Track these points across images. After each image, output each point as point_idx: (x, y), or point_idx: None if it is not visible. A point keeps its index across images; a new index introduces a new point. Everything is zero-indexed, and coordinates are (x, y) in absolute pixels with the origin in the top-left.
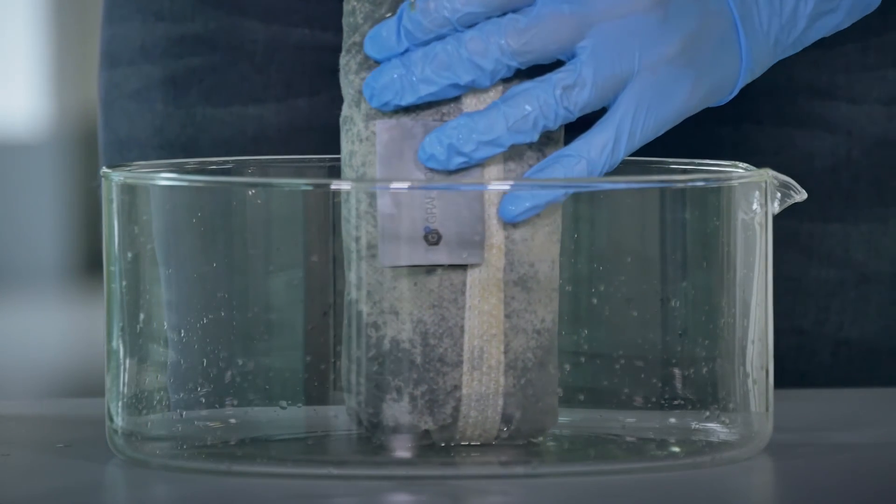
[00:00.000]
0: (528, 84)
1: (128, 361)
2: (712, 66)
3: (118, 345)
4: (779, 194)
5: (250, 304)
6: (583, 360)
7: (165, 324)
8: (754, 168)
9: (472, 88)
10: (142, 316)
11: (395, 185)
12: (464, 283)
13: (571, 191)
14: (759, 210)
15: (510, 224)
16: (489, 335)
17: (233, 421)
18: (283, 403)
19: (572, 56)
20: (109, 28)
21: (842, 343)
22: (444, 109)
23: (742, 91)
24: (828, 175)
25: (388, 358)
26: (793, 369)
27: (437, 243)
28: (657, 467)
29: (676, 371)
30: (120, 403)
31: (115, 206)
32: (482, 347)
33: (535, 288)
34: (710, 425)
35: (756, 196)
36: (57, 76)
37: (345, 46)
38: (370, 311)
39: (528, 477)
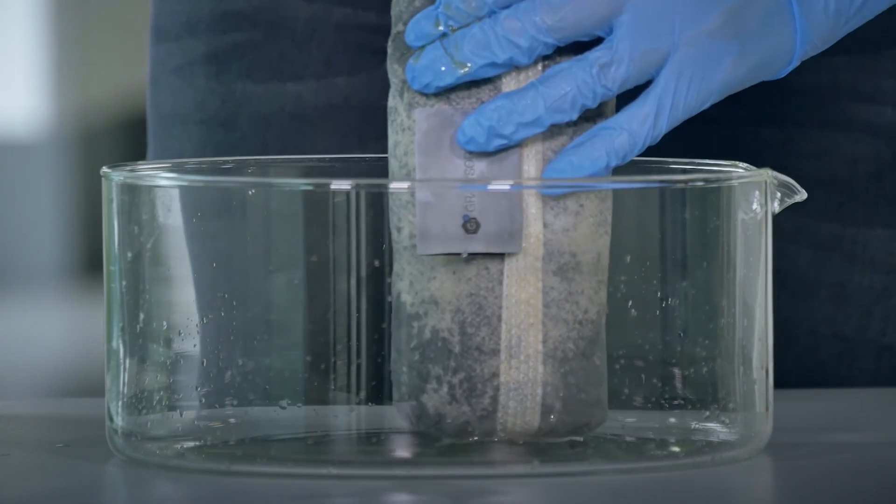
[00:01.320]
0: (565, 63)
1: (128, 361)
2: (760, 38)
3: (118, 345)
4: (779, 194)
5: (251, 303)
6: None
7: (196, 318)
8: (754, 168)
9: (512, 71)
10: (142, 316)
11: (393, 185)
12: (501, 272)
13: (614, 165)
14: (759, 210)
15: (550, 213)
16: (527, 324)
17: (233, 421)
18: (283, 403)
19: (610, 31)
20: (158, 3)
21: (885, 349)
22: (484, 97)
23: (786, 93)
24: (872, 180)
25: (428, 348)
26: (835, 375)
27: (475, 232)
28: (657, 467)
29: (676, 371)
30: (120, 403)
31: (114, 206)
32: (520, 336)
33: (577, 279)
34: (710, 425)
35: (756, 196)
36: (57, 76)
37: (391, 35)
38: (412, 301)
39: (528, 477)
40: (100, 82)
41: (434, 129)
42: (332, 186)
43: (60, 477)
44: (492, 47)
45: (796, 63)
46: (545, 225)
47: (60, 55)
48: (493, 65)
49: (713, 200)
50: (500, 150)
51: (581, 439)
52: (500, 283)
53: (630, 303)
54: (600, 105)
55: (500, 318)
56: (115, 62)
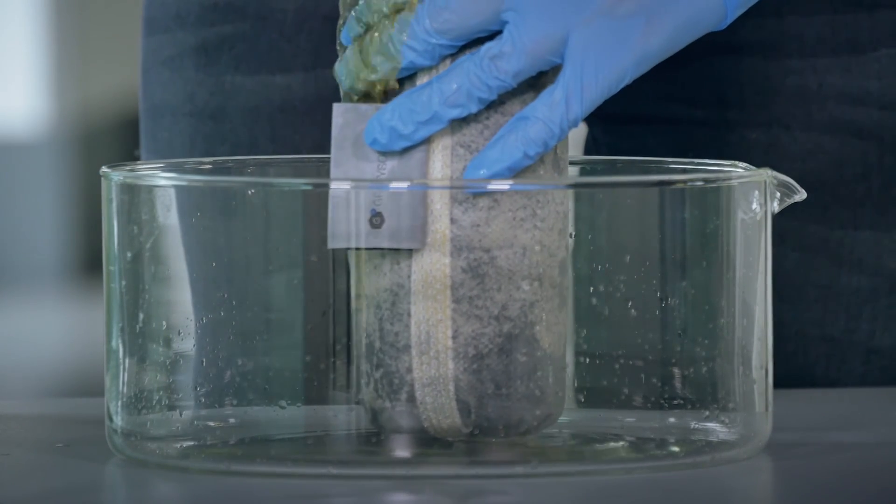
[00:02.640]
0: (461, 58)
1: (127, 361)
2: (669, 4)
3: (118, 344)
4: (778, 194)
5: (250, 303)
6: (583, 359)
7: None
8: (754, 168)
9: (432, 69)
10: (141, 316)
11: (394, 184)
12: (410, 268)
13: (532, 155)
14: (758, 210)
15: (458, 209)
16: (435, 320)
17: (232, 421)
18: (283, 403)
19: (502, 25)
20: None
21: (873, 351)
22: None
23: (772, 95)
24: (859, 181)
25: (360, 343)
26: (823, 377)
27: (380, 227)
28: (657, 467)
29: (676, 371)
30: (119, 403)
31: (114, 205)
32: (428, 332)
33: (492, 274)
34: (710, 425)
35: (756, 196)
36: (57, 76)
37: (338, 26)
38: (353, 296)
39: (528, 477)
40: (99, 82)
41: (349, 123)
42: (332, 186)
43: (60, 477)
44: (391, 52)
45: (733, 16)
46: (452, 220)
47: (60, 55)
48: (397, 69)
49: (713, 200)
50: (407, 148)
51: (524, 439)
52: (409, 278)
53: (630, 303)
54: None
55: (409, 314)
56: (115, 62)
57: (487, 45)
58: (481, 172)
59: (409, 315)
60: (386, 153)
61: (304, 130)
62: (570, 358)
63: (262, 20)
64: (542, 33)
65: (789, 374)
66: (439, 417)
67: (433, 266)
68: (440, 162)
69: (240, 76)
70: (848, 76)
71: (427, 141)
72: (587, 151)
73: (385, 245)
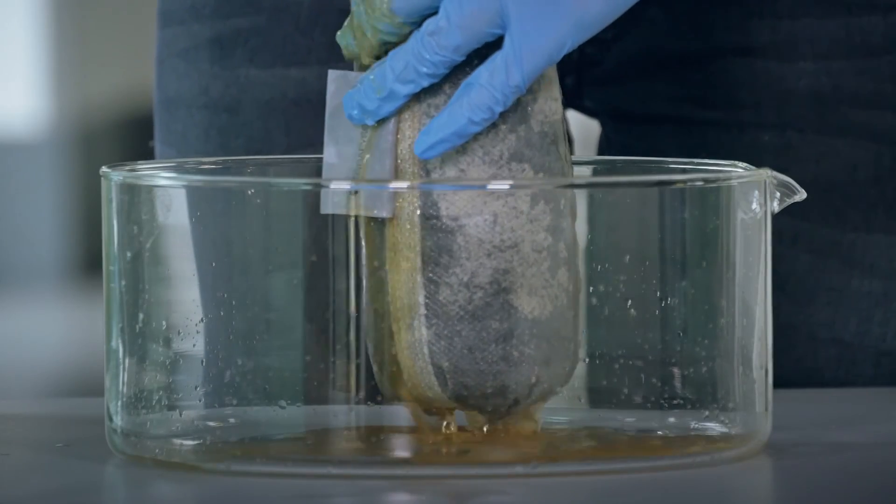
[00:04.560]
0: (410, 37)
1: (127, 361)
2: None
3: (117, 344)
4: (778, 194)
5: (250, 303)
6: (583, 359)
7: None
8: (753, 168)
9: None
10: (141, 316)
11: (393, 184)
12: (384, 235)
13: (479, 121)
14: (758, 210)
15: (425, 177)
16: (408, 287)
17: (232, 421)
18: (283, 403)
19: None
20: None
21: (884, 354)
22: None
23: (786, 97)
24: (872, 185)
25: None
26: (834, 380)
27: (356, 193)
28: (657, 467)
29: (676, 371)
30: (119, 403)
31: (114, 205)
32: (403, 299)
33: (461, 243)
34: (710, 425)
35: (755, 196)
36: (57, 76)
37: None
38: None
39: (528, 477)
40: (100, 82)
41: (341, 90)
42: (332, 186)
43: (60, 477)
44: (358, 35)
45: None
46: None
47: (60, 55)
48: (373, 45)
49: (713, 200)
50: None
51: (511, 403)
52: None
53: (630, 302)
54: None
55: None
56: (115, 62)
57: (427, 21)
58: (429, 138)
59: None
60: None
61: (318, 124)
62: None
63: (278, 13)
64: (475, 6)
65: (800, 376)
66: (419, 383)
67: (402, 233)
68: (409, 129)
69: (255, 69)
70: (862, 79)
71: (399, 110)
72: (600, 151)
73: (360, 212)
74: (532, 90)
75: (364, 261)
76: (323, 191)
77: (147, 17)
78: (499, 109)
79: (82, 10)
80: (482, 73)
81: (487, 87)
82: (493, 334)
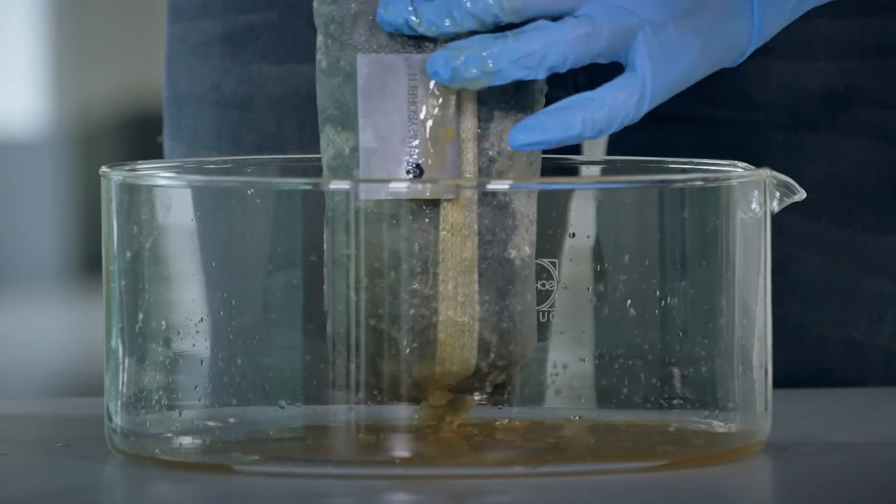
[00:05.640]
0: (542, 23)
1: (127, 361)
2: (720, 31)
3: (117, 344)
4: (778, 193)
5: (250, 302)
6: (583, 359)
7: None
8: (753, 167)
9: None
10: (140, 315)
11: (392, 184)
12: (438, 216)
13: (586, 137)
14: (758, 209)
15: (485, 158)
16: (463, 266)
17: (232, 420)
18: (283, 403)
19: (570, 12)
20: None
21: (894, 355)
22: (426, 43)
23: (798, 97)
24: (884, 185)
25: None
26: (844, 380)
27: (419, 177)
28: (657, 467)
29: (676, 370)
30: (119, 403)
31: (114, 205)
32: (456, 278)
33: (511, 220)
34: (710, 424)
35: (755, 195)
36: (56, 76)
37: None
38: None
39: (528, 477)
40: (100, 82)
41: (375, 74)
42: (332, 186)
43: (60, 476)
44: (456, 18)
45: (747, 55)
46: (481, 170)
47: (60, 55)
48: (453, 34)
49: (712, 200)
50: (441, 99)
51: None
52: (437, 227)
53: (629, 302)
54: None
55: (437, 263)
56: (115, 62)
57: (574, 21)
58: (531, 135)
59: (436, 264)
60: (417, 102)
61: None
62: (568, 358)
63: (289, 9)
64: (624, 23)
65: (810, 376)
66: (456, 358)
67: (463, 214)
68: (469, 121)
69: (266, 65)
70: (875, 79)
71: (458, 98)
72: (610, 150)
73: (419, 196)
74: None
75: (362, 261)
76: (366, 174)
77: (148, 17)
78: (606, 133)
79: (82, 10)
80: (608, 94)
81: (612, 108)
82: (527, 306)
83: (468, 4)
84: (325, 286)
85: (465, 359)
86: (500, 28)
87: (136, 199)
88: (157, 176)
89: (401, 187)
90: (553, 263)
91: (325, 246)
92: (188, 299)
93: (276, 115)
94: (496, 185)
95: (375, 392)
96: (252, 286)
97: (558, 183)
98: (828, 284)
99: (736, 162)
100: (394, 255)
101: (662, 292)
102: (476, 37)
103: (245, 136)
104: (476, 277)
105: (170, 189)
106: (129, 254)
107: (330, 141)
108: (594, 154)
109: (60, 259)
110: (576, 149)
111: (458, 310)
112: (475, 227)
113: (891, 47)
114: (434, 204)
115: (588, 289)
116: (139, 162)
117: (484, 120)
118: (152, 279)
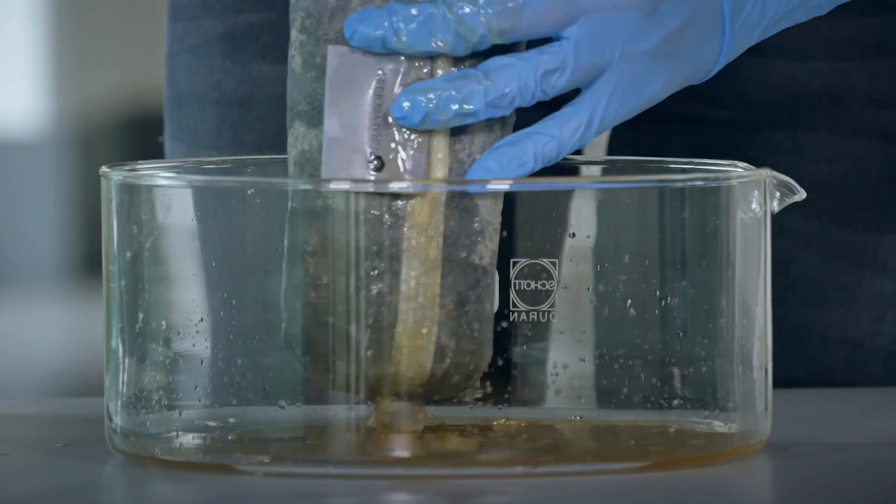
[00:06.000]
0: (509, 59)
1: (127, 361)
2: (691, 58)
3: (117, 344)
4: (778, 193)
5: (250, 303)
6: (583, 359)
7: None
8: (753, 167)
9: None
10: (141, 315)
11: (393, 184)
12: (405, 210)
13: (538, 167)
14: (758, 209)
15: (455, 159)
16: (426, 267)
17: (232, 420)
18: (283, 403)
19: (557, 38)
20: None
21: (894, 355)
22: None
23: (798, 97)
24: (884, 185)
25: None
26: (844, 380)
27: (379, 170)
28: (657, 467)
29: (676, 370)
30: (119, 403)
31: (114, 205)
32: (418, 279)
33: (477, 225)
34: (710, 424)
35: (755, 195)
36: (56, 76)
37: None
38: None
39: (528, 477)
40: (100, 82)
41: (344, 67)
42: (332, 186)
43: (60, 476)
44: (438, 35)
45: (712, 75)
46: (451, 171)
47: (60, 55)
48: (432, 51)
49: (712, 200)
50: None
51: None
52: (402, 225)
53: (629, 302)
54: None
55: (400, 260)
56: (115, 62)
57: (543, 56)
58: (494, 173)
59: (398, 261)
60: (384, 96)
61: None
62: (568, 358)
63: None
64: (595, 58)
65: (811, 376)
66: (411, 362)
67: (429, 214)
68: (443, 134)
69: (267, 65)
70: (874, 79)
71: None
72: (610, 150)
73: (394, 191)
74: None
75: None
76: (326, 166)
77: (148, 17)
78: (555, 161)
79: (82, 10)
80: (555, 127)
81: (560, 141)
82: (486, 315)
83: (454, 24)
84: (283, 284)
85: (421, 362)
86: (475, 52)
87: (136, 199)
88: (157, 176)
89: (403, 185)
90: (553, 263)
91: (285, 242)
92: (188, 299)
93: (277, 115)
94: (496, 186)
95: (329, 391)
96: (252, 286)
97: (558, 183)
98: (828, 284)
99: (736, 162)
100: (356, 252)
101: (662, 292)
102: (442, 77)
103: (245, 136)
104: (438, 279)
105: (170, 189)
106: (129, 254)
107: (299, 137)
108: (594, 154)
109: (60, 259)
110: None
111: (418, 311)
112: (441, 227)
113: (891, 47)
114: (401, 201)
115: (588, 289)
116: (139, 162)
117: (459, 132)
118: (152, 279)
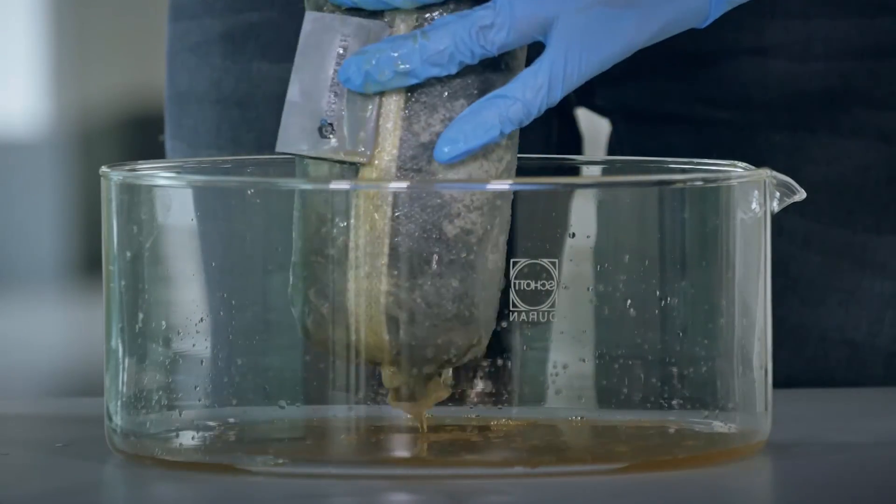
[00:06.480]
0: (449, 18)
1: (127, 361)
2: (663, 2)
3: (117, 344)
4: (778, 193)
5: (250, 302)
6: (583, 359)
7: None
8: (753, 167)
9: (413, 12)
10: (141, 315)
11: (393, 185)
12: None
13: (507, 133)
14: (758, 209)
15: (408, 131)
16: (373, 236)
17: (232, 420)
18: (283, 403)
19: None
20: None
21: (894, 355)
22: (371, 26)
23: (798, 98)
24: (884, 186)
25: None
26: (844, 381)
27: (329, 136)
28: (657, 467)
29: (676, 370)
30: (119, 403)
31: (113, 205)
32: (366, 247)
33: (434, 197)
34: (710, 424)
35: (755, 195)
36: (57, 76)
37: None
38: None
39: (528, 477)
40: (99, 82)
41: (316, 32)
42: (332, 186)
43: (60, 476)
44: None
45: (715, 16)
46: (401, 141)
47: (60, 55)
48: (385, 6)
49: (712, 200)
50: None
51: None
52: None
53: (629, 302)
54: (504, 60)
55: (350, 227)
56: (115, 62)
57: (479, 11)
58: (455, 147)
59: (349, 228)
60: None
61: None
62: (568, 358)
63: (289, 8)
64: (535, 10)
65: (811, 377)
66: (365, 330)
67: (379, 182)
68: (394, 100)
69: (266, 64)
70: (874, 80)
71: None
72: (610, 150)
73: (330, 156)
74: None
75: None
76: (283, 129)
77: (148, 17)
78: (527, 123)
79: (82, 9)
80: (519, 87)
81: (525, 102)
82: (452, 292)
83: None
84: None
85: (375, 331)
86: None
87: (136, 199)
88: (157, 176)
89: (401, 186)
90: (553, 263)
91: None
92: (188, 299)
93: (277, 114)
94: (496, 185)
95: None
96: (252, 286)
97: (558, 183)
98: (828, 285)
99: (736, 162)
100: (319, 221)
101: (662, 292)
102: (385, 40)
103: (245, 135)
104: (386, 249)
105: (170, 189)
106: (129, 254)
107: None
108: (594, 154)
109: (60, 259)
110: (576, 149)
111: (365, 280)
112: (390, 198)
113: (890, 47)
114: (354, 170)
115: (588, 289)
116: (139, 162)
117: (412, 101)
118: (152, 279)
